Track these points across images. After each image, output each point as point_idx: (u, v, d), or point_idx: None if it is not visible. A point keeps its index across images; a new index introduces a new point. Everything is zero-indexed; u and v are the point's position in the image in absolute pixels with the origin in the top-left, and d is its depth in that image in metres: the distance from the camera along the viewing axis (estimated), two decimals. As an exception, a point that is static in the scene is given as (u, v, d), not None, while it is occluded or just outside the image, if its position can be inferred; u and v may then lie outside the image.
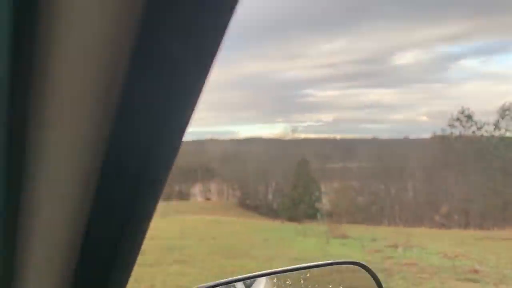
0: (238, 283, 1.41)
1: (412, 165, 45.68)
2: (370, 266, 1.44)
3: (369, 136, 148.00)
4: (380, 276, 1.43)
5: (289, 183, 70.78)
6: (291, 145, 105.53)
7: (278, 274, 1.54)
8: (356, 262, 1.48)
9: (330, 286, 1.52)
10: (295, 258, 9.78)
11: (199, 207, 71.69)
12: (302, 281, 1.52)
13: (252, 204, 79.67)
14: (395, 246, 11.54)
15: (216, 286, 1.30)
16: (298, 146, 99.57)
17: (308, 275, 1.52)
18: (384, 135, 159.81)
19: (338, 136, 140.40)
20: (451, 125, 41.91)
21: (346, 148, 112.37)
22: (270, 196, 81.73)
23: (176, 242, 13.08)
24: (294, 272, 1.52)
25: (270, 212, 72.09)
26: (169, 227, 19.98)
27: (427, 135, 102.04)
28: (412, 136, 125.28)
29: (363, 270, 1.45)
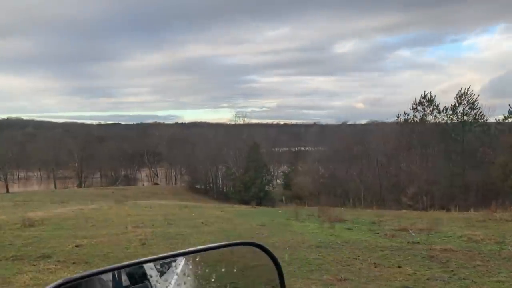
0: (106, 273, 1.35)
1: (372, 147, 46.96)
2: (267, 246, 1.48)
3: (310, 121, 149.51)
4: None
5: (238, 167, 71.10)
6: (237, 130, 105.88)
7: (180, 257, 1.54)
8: (255, 243, 1.52)
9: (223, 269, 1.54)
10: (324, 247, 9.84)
11: (151, 192, 70.19)
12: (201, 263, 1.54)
13: (202, 188, 79.24)
14: (405, 230, 12.04)
15: (86, 277, 1.24)
16: (243, 130, 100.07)
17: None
18: (325, 121, 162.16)
19: (282, 122, 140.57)
20: (414, 109, 43.64)
21: (292, 133, 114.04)
22: (219, 180, 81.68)
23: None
24: (195, 254, 1.53)
25: (220, 195, 72.25)
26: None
27: (363, 121, 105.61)
28: (350, 122, 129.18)
29: (261, 251, 1.50)
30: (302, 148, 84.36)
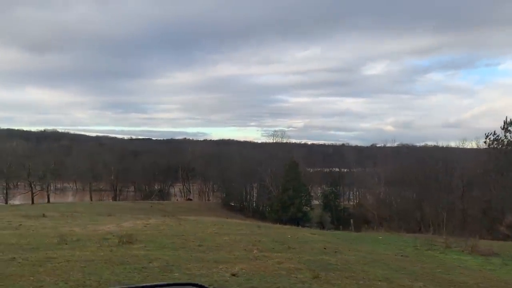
0: None
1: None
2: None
3: (339, 142, 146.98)
4: None
5: (275, 185, 69.02)
6: (267, 148, 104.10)
7: None
8: (197, 284, 1.45)
9: None
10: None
11: (187, 208, 68.51)
12: None
13: (237, 206, 77.25)
14: None
15: None
16: (274, 149, 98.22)
17: None
18: (354, 142, 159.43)
19: (309, 142, 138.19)
20: (506, 129, 38.96)
21: (320, 153, 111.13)
22: (253, 198, 79.65)
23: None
24: None
25: (255, 214, 70.07)
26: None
27: (393, 144, 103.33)
28: (379, 144, 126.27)
29: None
30: (339, 169, 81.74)
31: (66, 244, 12.43)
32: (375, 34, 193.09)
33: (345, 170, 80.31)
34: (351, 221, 38.34)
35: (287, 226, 32.94)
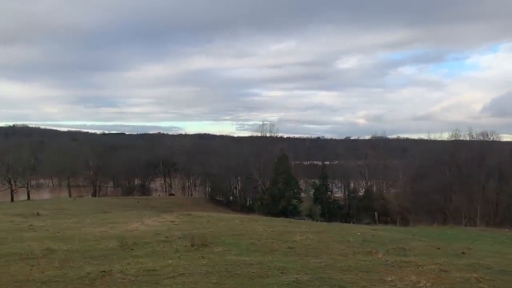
0: None
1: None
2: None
3: (313, 135, 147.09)
4: None
5: (264, 179, 67.60)
6: (242, 142, 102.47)
7: None
8: None
9: None
10: None
11: (174, 203, 66.08)
12: None
13: (223, 200, 75.32)
14: None
15: None
16: (250, 143, 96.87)
17: None
18: (328, 136, 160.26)
19: (285, 136, 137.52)
20: None
21: (297, 146, 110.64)
22: (237, 192, 77.93)
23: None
24: None
25: (243, 208, 68.40)
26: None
27: (367, 137, 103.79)
28: (353, 137, 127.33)
29: None
30: (321, 162, 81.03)
31: (131, 249, 10.45)
32: (349, 28, 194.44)
33: (327, 162, 79.80)
34: (376, 214, 37.03)
35: (316, 222, 31.54)
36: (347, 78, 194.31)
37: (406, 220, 29.86)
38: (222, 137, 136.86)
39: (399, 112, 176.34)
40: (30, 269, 8.00)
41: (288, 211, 59.95)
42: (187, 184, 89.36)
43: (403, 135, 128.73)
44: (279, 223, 20.11)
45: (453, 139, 48.77)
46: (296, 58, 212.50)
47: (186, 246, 10.79)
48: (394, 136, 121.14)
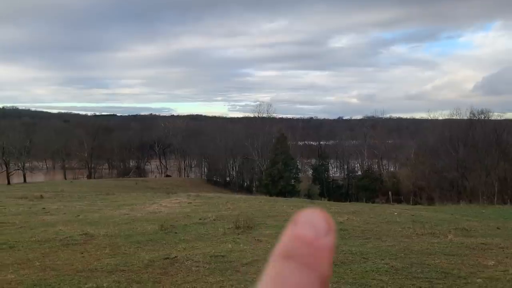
0: None
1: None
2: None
3: (306, 116, 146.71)
4: None
5: (262, 159, 67.15)
6: (237, 123, 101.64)
7: None
8: None
9: None
10: None
11: (173, 184, 65.40)
12: None
13: (220, 181, 74.76)
14: None
15: None
16: (246, 123, 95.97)
17: None
18: (321, 116, 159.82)
19: (278, 116, 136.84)
20: None
21: (291, 127, 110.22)
22: (234, 173, 77.38)
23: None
24: None
25: (241, 189, 68.02)
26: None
27: (359, 116, 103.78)
28: (346, 117, 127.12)
29: None
30: (324, 143, 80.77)
31: (175, 233, 9.74)
32: (342, 7, 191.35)
33: (324, 142, 79.54)
34: (390, 193, 36.62)
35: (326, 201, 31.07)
36: (339, 57, 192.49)
37: (418, 199, 29.63)
38: (215, 118, 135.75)
39: (392, 91, 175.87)
40: (82, 256, 7.28)
41: (287, 192, 59.73)
42: (182, 165, 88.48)
43: (396, 115, 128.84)
44: (302, 204, 19.58)
45: (454, 117, 48.61)
46: (288, 37, 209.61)
47: (229, 228, 10.12)
48: (387, 115, 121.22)
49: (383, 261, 6.42)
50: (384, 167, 62.74)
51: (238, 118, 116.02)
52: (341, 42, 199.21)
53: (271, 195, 50.38)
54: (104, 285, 5.30)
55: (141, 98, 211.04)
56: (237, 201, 20.49)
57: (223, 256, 6.90)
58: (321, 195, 60.37)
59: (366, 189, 52.17)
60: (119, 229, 10.41)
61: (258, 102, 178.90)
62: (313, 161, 76.36)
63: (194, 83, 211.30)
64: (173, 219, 12.54)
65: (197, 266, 6.23)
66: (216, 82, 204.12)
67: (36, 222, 12.99)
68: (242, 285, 5.27)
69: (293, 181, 64.17)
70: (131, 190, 45.44)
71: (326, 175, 61.86)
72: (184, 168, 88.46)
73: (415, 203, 27.65)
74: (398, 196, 36.10)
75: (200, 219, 12.33)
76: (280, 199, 23.94)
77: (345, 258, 6.67)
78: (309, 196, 61.05)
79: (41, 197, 30.12)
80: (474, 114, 51.37)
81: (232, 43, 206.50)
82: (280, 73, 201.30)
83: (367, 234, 9.14)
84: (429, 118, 67.80)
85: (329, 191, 58.83)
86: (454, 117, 51.47)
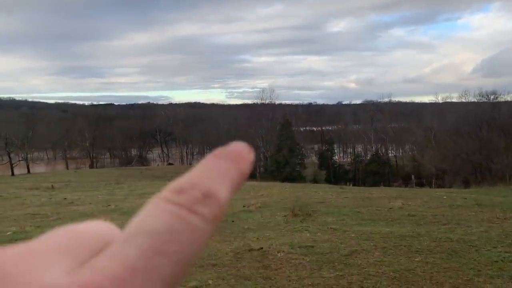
0: None
1: None
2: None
3: (305, 101, 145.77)
4: None
5: (267, 146, 66.55)
6: (236, 109, 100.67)
7: None
8: None
9: None
10: None
11: (176, 172, 64.67)
12: None
13: (224, 168, 74.21)
14: None
15: None
16: (247, 110, 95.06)
17: None
18: (319, 101, 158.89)
19: (277, 102, 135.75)
20: None
21: (291, 113, 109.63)
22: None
23: None
24: None
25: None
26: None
27: (358, 101, 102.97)
28: (345, 102, 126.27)
29: None
30: (327, 128, 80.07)
31: (232, 221, 9.06)
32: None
33: (327, 127, 78.83)
34: (412, 176, 35.95)
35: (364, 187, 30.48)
36: (337, 41, 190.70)
37: (441, 182, 29.08)
38: (213, 106, 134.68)
39: (390, 75, 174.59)
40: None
41: (293, 178, 59.26)
42: (185, 153, 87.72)
43: (395, 99, 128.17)
44: (331, 189, 18.92)
45: (462, 100, 47.90)
46: (285, 22, 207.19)
47: (285, 216, 9.45)
48: (386, 99, 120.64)
49: (496, 249, 5.76)
50: (393, 151, 62.22)
51: (237, 105, 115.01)
52: (338, 26, 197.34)
53: (277, 181, 49.92)
54: (209, 282, 4.60)
55: (138, 87, 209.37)
56: (262, 188, 19.87)
57: (312, 246, 6.21)
58: (328, 180, 60.01)
59: (375, 173, 51.67)
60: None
61: (256, 89, 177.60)
62: (316, 146, 75.86)
63: (191, 71, 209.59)
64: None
65: (296, 259, 5.55)
66: (213, 69, 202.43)
67: (69, 213, 12.28)
68: (371, 282, 4.59)
69: (298, 167, 63.71)
70: (137, 179, 44.80)
71: (332, 160, 61.29)
72: (187, 156, 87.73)
73: (438, 186, 27.17)
74: (420, 179, 35.50)
75: (244, 206, 11.65)
76: (309, 185, 23.22)
77: (451, 247, 6.00)
78: (316, 181, 60.71)
79: (52, 187, 29.38)
80: (483, 96, 50.78)
81: (228, 29, 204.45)
82: (277, 58, 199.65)
83: (442, 220, 8.49)
84: (436, 101, 67.22)
85: (336, 176, 58.37)
86: (462, 100, 50.92)
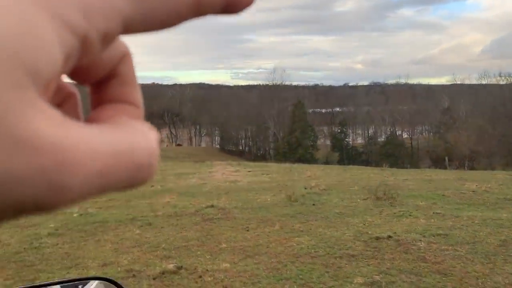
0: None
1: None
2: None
3: (311, 83, 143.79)
4: None
5: (279, 127, 65.81)
6: (241, 91, 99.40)
7: None
8: (106, 278, 1.27)
9: None
10: None
11: (188, 153, 64.23)
12: None
13: (235, 150, 73.58)
14: None
15: None
16: (251, 91, 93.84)
17: None
18: (327, 82, 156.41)
19: (283, 83, 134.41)
20: None
21: (295, 94, 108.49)
22: (249, 142, 76.07)
23: None
24: None
25: (257, 157, 66.88)
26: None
27: (365, 83, 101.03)
28: (351, 83, 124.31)
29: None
30: (338, 109, 79.03)
31: (313, 204, 8.34)
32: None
33: (336, 109, 77.82)
34: (446, 158, 35.13)
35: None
36: (344, 21, 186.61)
37: (475, 164, 28.27)
38: (218, 86, 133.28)
39: (398, 56, 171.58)
40: (267, 237, 5.87)
41: (306, 159, 58.66)
42: (193, 134, 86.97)
43: (403, 80, 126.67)
44: (373, 171, 18.20)
45: (482, 82, 46.78)
46: (291, 1, 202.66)
47: (365, 199, 8.73)
48: (393, 81, 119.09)
49: None
50: (406, 133, 61.32)
51: (246, 86, 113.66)
52: (346, 5, 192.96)
53: (289, 163, 49.21)
54: (376, 278, 3.89)
55: (142, 67, 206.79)
56: (301, 169, 19.24)
57: (446, 235, 5.48)
58: (340, 162, 59.39)
59: (390, 155, 50.98)
60: (237, 200, 8.99)
61: (261, 70, 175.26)
62: (325, 128, 75.03)
63: (195, 51, 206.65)
64: (272, 188, 11.14)
65: (447, 250, 4.83)
66: (217, 50, 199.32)
67: (123, 197, 11.55)
68: None
69: (311, 149, 63.06)
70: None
71: (345, 143, 60.56)
72: (195, 137, 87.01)
73: (471, 168, 26.47)
74: (451, 161, 34.72)
75: (305, 188, 10.93)
76: (354, 167, 22.37)
77: None
78: (328, 163, 60.16)
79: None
80: (504, 77, 49.55)
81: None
82: (283, 38, 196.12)
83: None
84: (455, 82, 65.66)
85: (349, 158, 57.74)
86: (482, 82, 49.76)
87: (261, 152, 70.01)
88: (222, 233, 6.03)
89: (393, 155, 50.62)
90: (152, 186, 13.71)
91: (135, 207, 8.67)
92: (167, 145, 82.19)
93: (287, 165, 23.93)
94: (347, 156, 58.55)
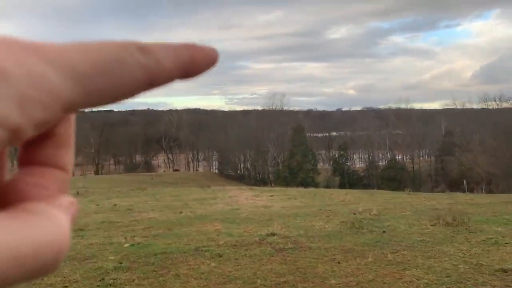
0: None
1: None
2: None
3: (304, 108, 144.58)
4: None
5: (279, 152, 65.37)
6: (238, 116, 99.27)
7: None
8: None
9: None
10: None
11: (188, 179, 63.17)
12: None
13: (234, 174, 72.66)
14: None
15: None
16: (246, 117, 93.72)
17: None
18: (319, 107, 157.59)
19: (277, 108, 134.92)
20: None
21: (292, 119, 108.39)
22: (248, 166, 75.32)
23: None
24: None
25: (257, 181, 66.01)
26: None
27: (358, 108, 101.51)
28: (344, 108, 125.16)
29: None
30: (335, 133, 79.04)
31: (383, 232, 7.64)
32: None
33: (333, 133, 77.78)
34: (464, 182, 34.63)
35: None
36: (336, 48, 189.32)
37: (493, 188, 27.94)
38: (216, 111, 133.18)
39: (390, 81, 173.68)
40: (344, 270, 5.15)
41: (307, 183, 57.98)
42: (190, 159, 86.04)
43: (394, 105, 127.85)
44: (394, 195, 17.55)
45: (482, 106, 47.15)
46: (284, 28, 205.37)
47: (433, 225, 8.06)
48: (386, 106, 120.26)
49: None
50: (406, 157, 61.18)
51: (243, 111, 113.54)
52: (338, 33, 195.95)
53: (290, 187, 48.41)
54: None
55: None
56: (324, 193, 18.58)
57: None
58: (341, 186, 58.75)
59: (391, 179, 50.50)
60: (293, 228, 8.26)
61: (255, 95, 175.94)
62: (323, 152, 74.66)
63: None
64: (316, 214, 10.42)
65: None
66: (212, 75, 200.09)
67: (145, 221, 10.74)
68: None
69: (311, 172, 62.45)
70: (152, 185, 43.08)
71: (346, 167, 60.08)
72: (192, 162, 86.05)
73: (489, 191, 26.06)
74: (469, 185, 34.31)
75: (354, 214, 10.22)
76: (378, 191, 21.67)
77: None
78: (329, 187, 59.47)
79: (78, 193, 27.68)
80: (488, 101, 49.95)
81: (228, 35, 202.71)
82: (277, 65, 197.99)
83: None
84: (454, 107, 66.17)
85: (350, 182, 57.15)
86: (482, 106, 50.17)
87: (261, 176, 69.23)
88: (314, 266, 5.30)
89: (395, 179, 50.16)
90: (181, 212, 12.93)
91: (185, 235, 7.89)
92: (164, 170, 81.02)
93: (311, 189, 23.24)
94: (348, 180, 57.99)
